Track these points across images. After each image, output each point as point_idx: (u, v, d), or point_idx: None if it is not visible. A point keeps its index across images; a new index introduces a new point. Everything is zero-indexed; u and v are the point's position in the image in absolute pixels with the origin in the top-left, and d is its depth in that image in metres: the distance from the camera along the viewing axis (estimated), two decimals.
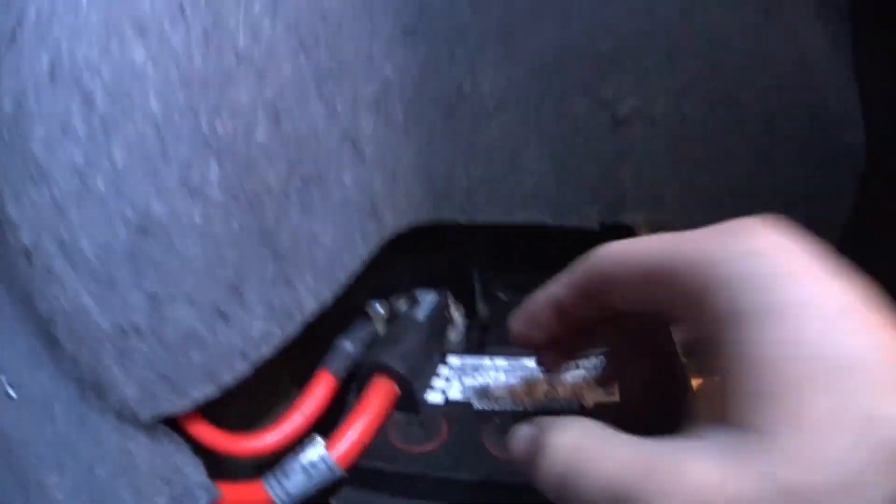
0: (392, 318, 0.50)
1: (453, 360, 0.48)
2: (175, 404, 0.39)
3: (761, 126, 0.47)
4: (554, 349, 0.33)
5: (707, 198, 0.48)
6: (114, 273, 0.36)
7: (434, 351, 0.48)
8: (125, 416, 0.39)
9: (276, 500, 0.42)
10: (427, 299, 0.50)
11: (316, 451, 0.41)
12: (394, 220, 0.49)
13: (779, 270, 0.22)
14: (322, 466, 0.41)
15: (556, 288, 0.31)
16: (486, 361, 0.48)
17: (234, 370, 0.40)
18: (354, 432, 0.41)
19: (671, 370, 0.32)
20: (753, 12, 0.46)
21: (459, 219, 0.50)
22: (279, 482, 0.42)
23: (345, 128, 0.46)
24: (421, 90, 0.49)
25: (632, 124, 0.48)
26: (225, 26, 0.39)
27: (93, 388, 0.39)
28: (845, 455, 0.20)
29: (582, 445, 0.24)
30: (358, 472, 0.42)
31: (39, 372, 0.42)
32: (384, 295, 0.52)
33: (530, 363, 0.47)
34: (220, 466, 0.42)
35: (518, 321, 0.33)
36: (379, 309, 0.50)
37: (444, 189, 0.50)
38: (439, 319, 0.49)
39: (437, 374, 0.47)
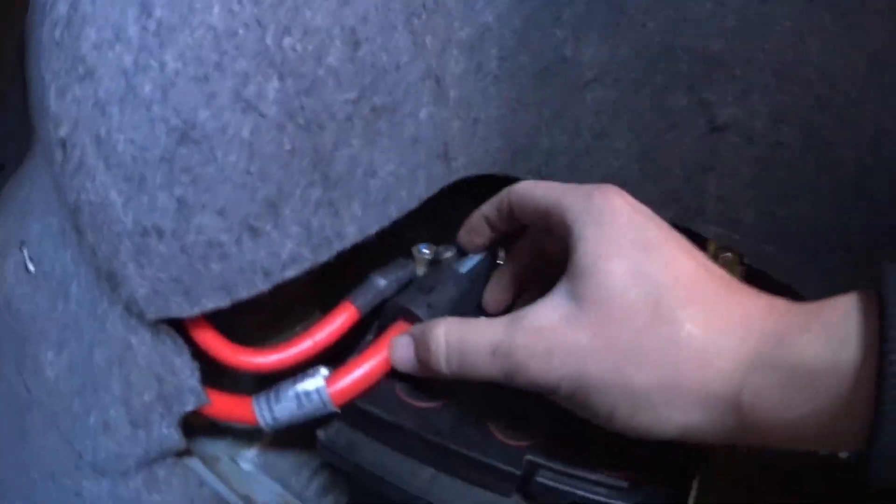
0: (434, 265, 0.46)
1: None
2: (183, 309, 0.38)
3: (852, 176, 0.41)
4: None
5: (783, 231, 0.43)
6: (146, 174, 0.36)
7: (468, 308, 0.44)
8: (132, 311, 0.39)
9: (261, 421, 0.41)
10: (474, 257, 0.45)
11: (314, 381, 0.40)
12: (464, 166, 0.47)
13: (606, 215, 0.32)
14: (315, 398, 0.40)
15: (486, 208, 0.42)
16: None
17: (252, 286, 0.39)
18: (359, 372, 0.40)
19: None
20: (863, 60, 0.40)
21: (533, 178, 0.47)
22: (269, 404, 0.41)
23: (430, 65, 0.43)
24: (520, 43, 0.46)
25: (727, 135, 0.43)
26: None
27: (107, 279, 0.39)
28: (623, 287, 0.29)
29: (460, 327, 0.35)
30: (352, 410, 0.40)
31: (64, 251, 0.42)
32: (433, 241, 0.49)
33: None
34: (222, 378, 0.42)
35: (462, 230, 0.44)
36: (424, 252, 0.47)
37: (525, 147, 0.47)
38: (481, 278, 0.45)
39: None
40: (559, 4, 0.44)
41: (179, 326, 0.41)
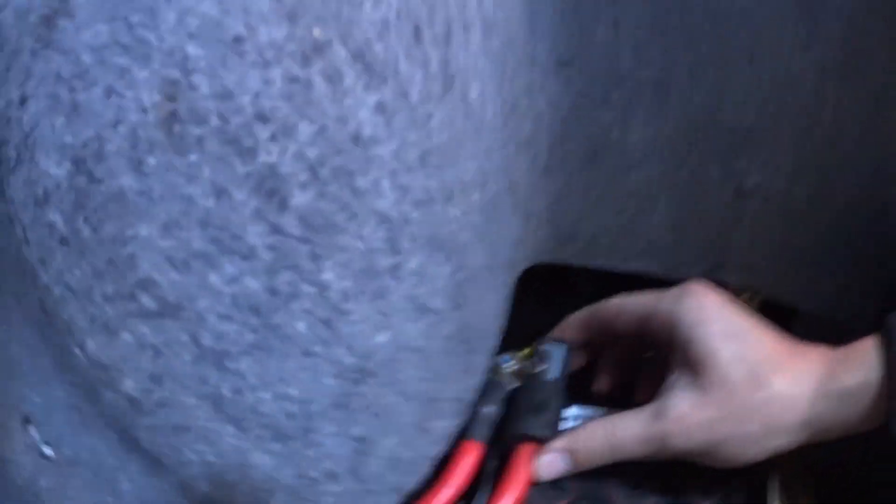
0: (528, 377, 0.44)
1: (572, 409, 0.45)
2: None
3: (841, 209, 0.47)
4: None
5: (795, 271, 0.48)
6: (312, 427, 0.28)
7: (564, 406, 0.44)
8: None
9: None
10: (557, 354, 0.44)
11: None
12: (520, 264, 0.43)
13: (704, 316, 0.39)
14: None
15: (580, 314, 0.46)
16: (601, 412, 0.44)
17: (420, 475, 0.34)
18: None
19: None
20: (863, 113, 0.44)
21: (576, 262, 0.45)
22: None
23: (511, 175, 0.38)
24: (568, 129, 0.42)
25: (753, 197, 0.45)
26: None
27: None
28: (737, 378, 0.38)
29: (613, 429, 0.40)
30: None
31: (86, 435, 0.30)
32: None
33: None
34: None
35: (556, 329, 0.47)
36: (509, 364, 0.44)
37: (571, 233, 0.44)
38: (566, 373, 0.44)
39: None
40: (607, 84, 0.40)
41: None
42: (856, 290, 0.49)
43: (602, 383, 0.46)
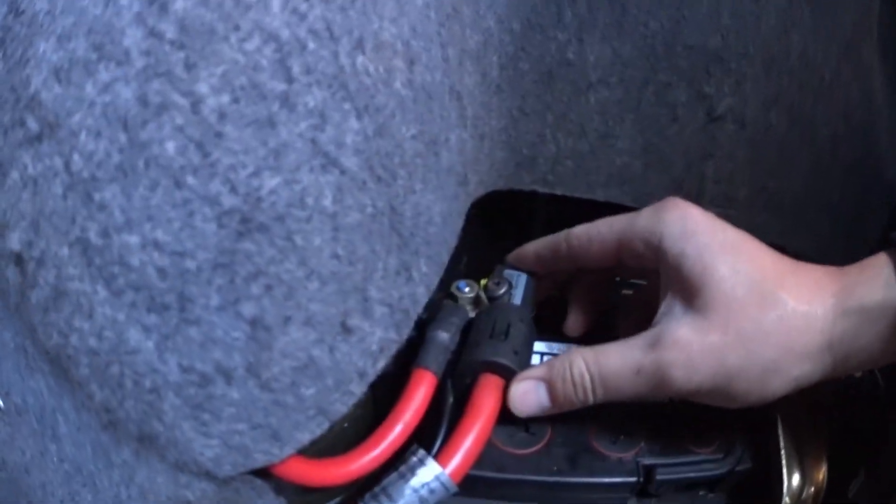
0: (477, 300, 0.38)
1: (539, 345, 0.38)
2: (272, 456, 0.26)
3: (828, 145, 0.42)
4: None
5: (771, 201, 0.43)
6: (190, 293, 0.22)
7: (532, 339, 0.37)
8: (188, 469, 0.25)
9: None
10: (520, 280, 0.38)
11: (429, 469, 0.30)
12: (475, 188, 0.38)
13: (690, 227, 0.32)
14: (437, 487, 0.30)
15: (539, 246, 0.39)
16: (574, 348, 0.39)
17: (348, 396, 0.27)
18: (469, 443, 0.31)
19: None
20: (837, 44, 0.40)
21: (539, 188, 0.40)
22: None
23: (454, 81, 0.34)
24: (520, 48, 0.38)
25: (724, 123, 0.40)
26: None
27: (138, 440, 0.25)
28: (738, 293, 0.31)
29: (597, 357, 0.33)
30: (464, 481, 0.31)
31: (32, 378, 0.26)
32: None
33: None
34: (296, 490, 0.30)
35: (510, 257, 0.40)
36: (466, 291, 0.38)
37: (529, 157, 0.39)
38: (532, 304, 0.39)
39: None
40: (560, 5, 0.37)
41: None
42: (843, 227, 0.43)
43: (574, 323, 0.39)
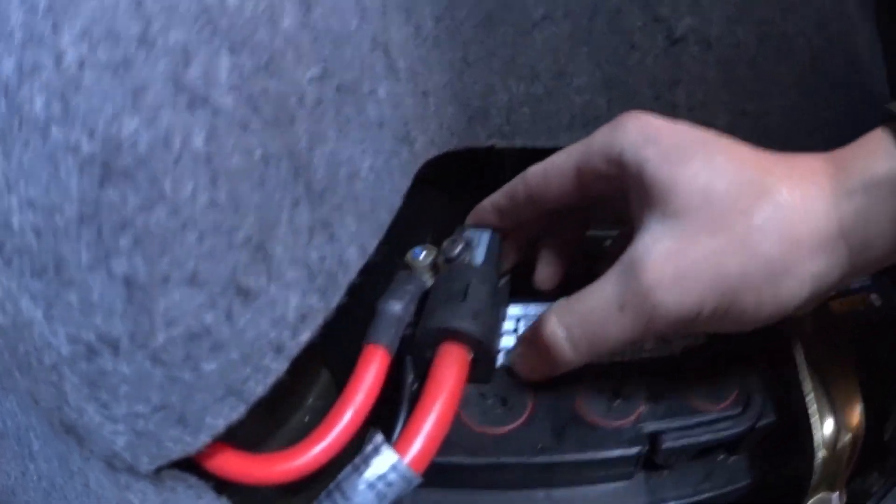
0: (436, 267, 0.32)
1: (514, 309, 0.33)
2: (186, 444, 0.22)
3: (807, 60, 0.36)
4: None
5: (755, 125, 0.37)
6: (63, 251, 0.19)
7: (500, 302, 0.31)
8: (117, 466, 0.22)
9: None
10: (481, 238, 0.32)
11: (384, 459, 0.24)
12: (425, 148, 0.33)
13: (651, 132, 0.26)
14: (395, 479, 0.24)
15: (497, 197, 0.32)
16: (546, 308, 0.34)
17: (265, 373, 0.23)
18: (430, 425, 0.25)
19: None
20: None
21: (497, 142, 0.35)
22: None
23: (376, 31, 0.29)
24: None
25: (687, 45, 0.35)
26: None
27: (66, 432, 0.21)
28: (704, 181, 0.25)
29: (570, 307, 0.27)
30: (431, 470, 0.26)
31: (5, 398, 0.23)
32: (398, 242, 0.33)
33: None
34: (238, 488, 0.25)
35: (469, 217, 0.34)
36: (422, 257, 0.32)
37: (481, 109, 0.34)
38: (497, 263, 0.32)
39: (503, 331, 0.32)
40: None
41: (187, 461, 0.23)
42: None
43: (544, 275, 0.33)
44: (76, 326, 0.19)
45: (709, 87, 0.35)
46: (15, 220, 0.19)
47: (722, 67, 0.35)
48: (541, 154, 0.35)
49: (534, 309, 0.32)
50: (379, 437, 0.26)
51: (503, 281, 0.33)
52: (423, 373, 0.28)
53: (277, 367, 0.23)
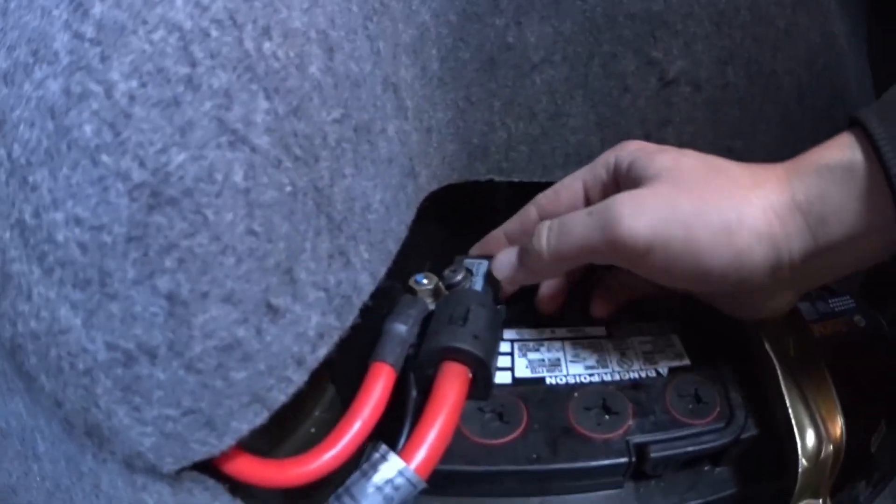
0: (437, 292, 0.34)
1: (509, 333, 0.34)
2: (211, 446, 0.23)
3: (794, 96, 0.38)
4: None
5: (743, 161, 0.39)
6: (109, 267, 0.20)
7: (497, 326, 0.33)
8: (137, 466, 0.23)
9: None
10: (480, 268, 0.35)
11: (392, 465, 0.26)
12: (427, 181, 0.34)
13: (642, 146, 0.31)
14: (402, 483, 0.26)
15: (509, 227, 0.36)
16: (545, 333, 0.34)
17: (286, 384, 0.24)
18: (434, 435, 0.27)
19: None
20: None
21: (495, 177, 0.36)
22: None
23: (387, 73, 0.31)
24: (458, 39, 0.35)
25: (678, 87, 0.37)
26: None
27: (87, 434, 0.23)
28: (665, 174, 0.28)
29: (560, 219, 0.30)
30: (435, 478, 0.27)
31: (11, 400, 0.25)
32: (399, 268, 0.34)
33: (595, 330, 0.35)
34: (250, 491, 0.27)
35: (476, 248, 0.37)
36: (424, 283, 0.34)
37: (481, 146, 0.36)
38: (494, 289, 0.34)
39: (499, 352, 0.34)
40: None
41: (205, 463, 0.25)
42: None
43: (546, 299, 0.35)
44: (115, 335, 0.21)
45: (697, 126, 0.37)
46: (60, 235, 0.20)
47: (710, 108, 0.37)
48: (534, 188, 0.37)
49: (528, 334, 0.34)
50: (384, 446, 0.27)
51: (500, 307, 0.35)
52: (426, 389, 0.30)
53: (298, 379, 0.24)
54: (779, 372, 0.32)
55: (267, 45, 0.23)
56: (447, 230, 0.40)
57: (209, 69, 0.21)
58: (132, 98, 0.20)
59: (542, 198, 0.34)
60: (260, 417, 0.24)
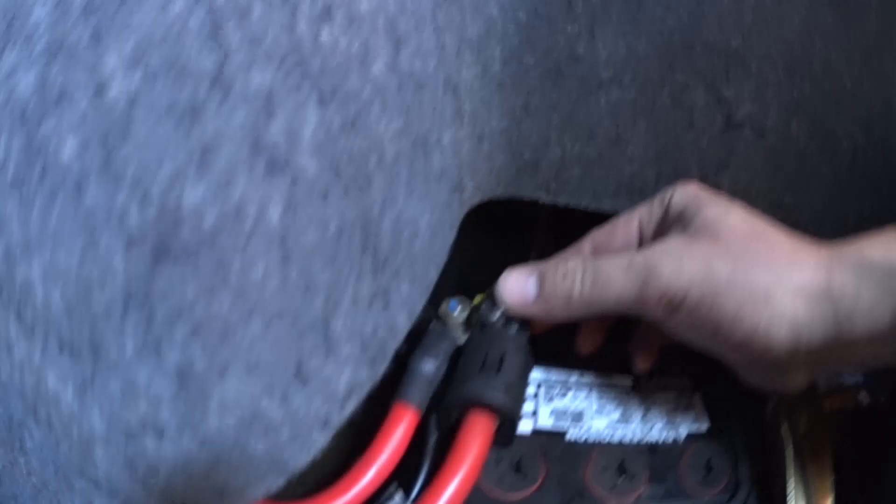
0: (469, 323, 0.28)
1: (537, 371, 0.30)
2: None
3: (849, 160, 0.33)
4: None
5: (786, 217, 0.34)
6: (102, 335, 0.14)
7: (529, 371, 0.28)
8: None
9: None
10: None
11: None
12: (472, 194, 0.29)
13: (698, 190, 0.27)
14: None
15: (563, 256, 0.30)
16: (573, 377, 0.30)
17: (310, 446, 0.19)
18: (452, 489, 0.23)
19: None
20: (859, 51, 0.31)
21: (541, 197, 0.31)
22: None
23: (449, 72, 0.25)
24: (525, 41, 0.29)
25: (743, 131, 0.31)
26: None
27: (80, 475, 0.16)
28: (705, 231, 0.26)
29: (592, 258, 0.27)
30: None
31: None
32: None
33: (623, 379, 0.30)
34: None
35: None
36: (457, 311, 0.28)
37: (532, 161, 0.30)
38: (527, 327, 0.28)
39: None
40: None
41: None
42: None
43: (587, 340, 0.30)
44: (115, 410, 0.15)
45: (754, 175, 0.32)
46: (38, 289, 0.13)
47: (770, 158, 0.32)
48: (578, 214, 0.32)
49: (556, 375, 0.29)
50: (400, 494, 0.23)
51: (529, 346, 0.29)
52: (446, 430, 0.26)
53: (322, 440, 0.20)
54: (787, 453, 0.30)
55: (326, 33, 0.16)
56: (478, 245, 0.34)
57: (246, 62, 0.14)
58: (133, 101, 0.13)
59: (598, 234, 0.29)
60: (277, 483, 0.19)
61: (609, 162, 0.31)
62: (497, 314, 0.28)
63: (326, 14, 0.16)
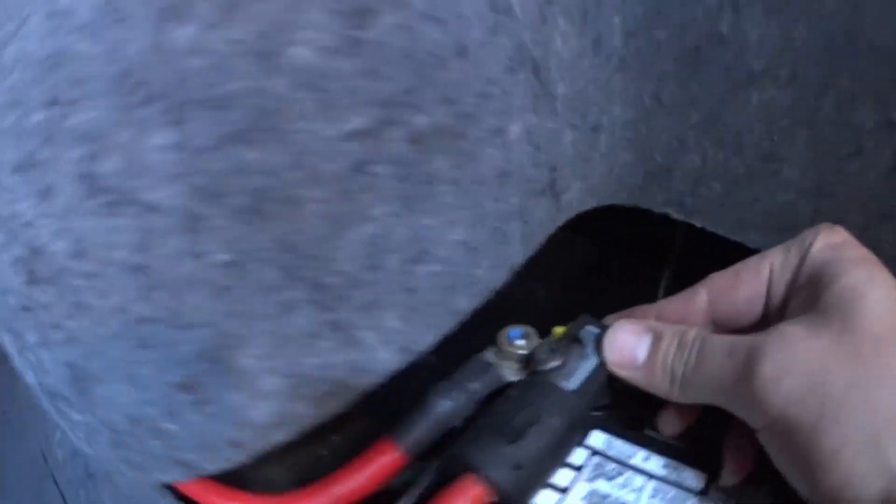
0: (532, 375, 0.21)
1: (595, 438, 0.22)
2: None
3: None
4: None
5: None
6: (16, 328, 0.17)
7: (564, 448, 0.21)
8: None
9: None
10: (593, 346, 0.22)
11: None
12: (578, 199, 0.22)
13: (844, 258, 0.21)
14: None
15: (667, 301, 0.24)
16: (637, 457, 0.22)
17: (220, 460, 0.18)
18: None
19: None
20: None
21: (672, 213, 0.24)
22: None
23: (522, 43, 0.19)
24: (656, 9, 0.22)
25: None
26: None
27: None
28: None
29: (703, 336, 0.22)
30: None
31: None
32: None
33: (692, 479, 0.21)
34: None
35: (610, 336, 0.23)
36: (518, 343, 0.21)
37: (665, 165, 0.23)
38: (597, 391, 0.21)
39: (567, 464, 0.21)
40: None
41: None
42: None
43: (670, 421, 0.23)
44: (37, 376, 0.18)
45: None
46: None
47: None
48: (712, 243, 0.24)
49: (616, 450, 0.22)
50: None
51: (594, 415, 0.22)
52: (442, 479, 0.20)
53: (239, 457, 0.18)
54: None
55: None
56: (583, 261, 0.28)
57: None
58: None
59: (719, 279, 0.23)
60: (183, 476, 0.18)
61: (758, 183, 0.23)
62: (553, 363, 0.21)
63: None
